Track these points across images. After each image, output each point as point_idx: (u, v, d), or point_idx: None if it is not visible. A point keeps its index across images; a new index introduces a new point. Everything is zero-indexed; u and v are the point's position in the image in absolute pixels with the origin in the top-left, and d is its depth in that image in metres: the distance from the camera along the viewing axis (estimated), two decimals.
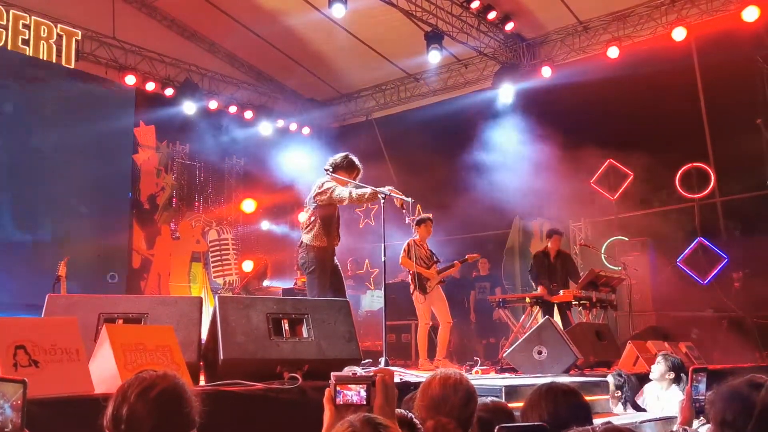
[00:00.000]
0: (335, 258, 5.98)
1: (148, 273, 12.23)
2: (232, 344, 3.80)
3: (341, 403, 1.74)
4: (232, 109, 13.32)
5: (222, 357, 3.75)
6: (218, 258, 13.40)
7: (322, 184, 5.88)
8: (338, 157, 6.05)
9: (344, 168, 5.96)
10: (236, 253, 13.62)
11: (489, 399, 2.67)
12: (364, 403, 1.74)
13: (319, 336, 3.95)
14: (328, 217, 5.86)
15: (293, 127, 14.29)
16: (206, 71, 13.22)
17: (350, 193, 5.71)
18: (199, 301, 4.04)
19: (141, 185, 12.40)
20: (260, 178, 13.76)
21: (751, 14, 9.80)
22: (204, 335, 4.05)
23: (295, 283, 11.02)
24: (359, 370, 1.69)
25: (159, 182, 12.75)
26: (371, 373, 1.82)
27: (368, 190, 5.76)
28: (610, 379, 5.47)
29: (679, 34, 10.41)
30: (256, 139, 13.73)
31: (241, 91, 13.79)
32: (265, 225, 14.18)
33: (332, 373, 1.82)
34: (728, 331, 9.60)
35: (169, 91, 12.37)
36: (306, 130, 14.55)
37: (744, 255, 10.08)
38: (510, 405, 2.89)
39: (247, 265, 13.30)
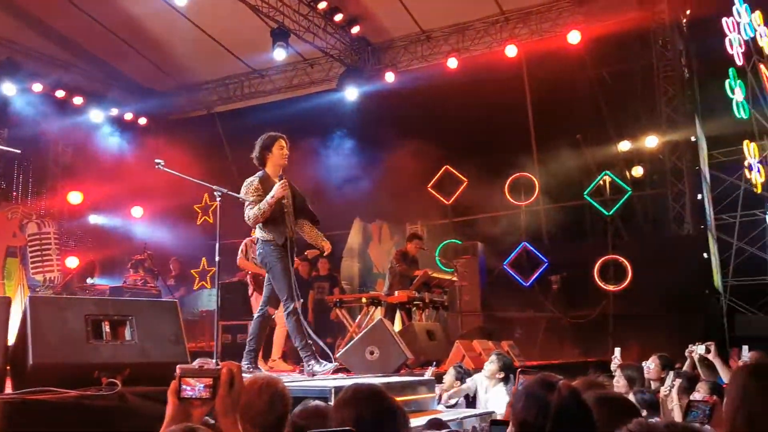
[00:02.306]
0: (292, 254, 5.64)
1: None
2: (44, 348, 3.50)
3: (185, 396, 1.66)
4: (60, 93, 12.36)
5: (31, 362, 3.45)
6: (38, 253, 12.35)
7: (243, 189, 5.58)
8: (257, 144, 5.80)
9: (264, 154, 5.76)
10: (59, 249, 12.64)
11: (313, 403, 2.62)
12: (209, 396, 1.67)
13: (143, 338, 3.75)
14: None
15: (128, 116, 13.57)
16: (31, 51, 12.15)
17: (259, 210, 5.39)
18: (7, 301, 3.69)
19: None
20: (89, 169, 12.90)
21: (574, 37, 10.67)
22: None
23: (125, 282, 10.43)
24: (213, 362, 1.63)
25: None
26: (218, 367, 1.75)
27: (269, 197, 5.47)
28: (451, 371, 5.77)
29: (511, 51, 11.09)
30: (86, 126, 12.87)
31: (70, 75, 12.82)
32: (94, 219, 13.29)
33: (178, 366, 1.73)
34: (546, 330, 10.36)
35: None
36: (142, 121, 13.87)
37: (562, 259, 10.94)
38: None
39: (72, 262, 12.40)
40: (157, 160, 5.65)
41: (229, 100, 13.95)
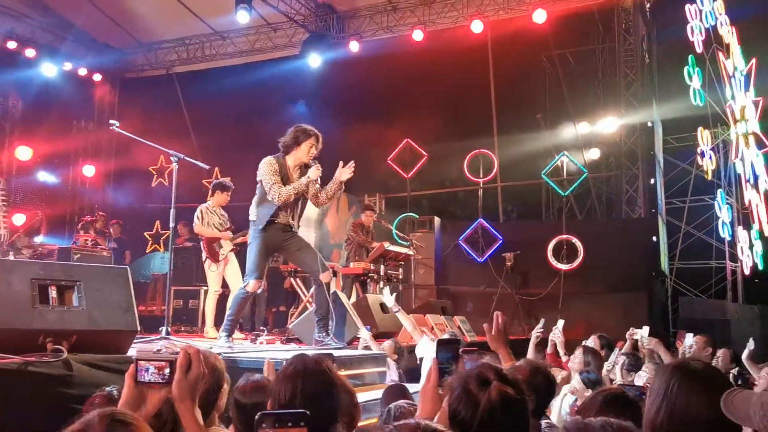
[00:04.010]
0: (286, 236, 5.52)
1: None
2: None
3: (141, 380, 1.67)
4: (11, 44, 11.89)
5: None
6: None
7: (262, 167, 5.45)
8: (288, 134, 5.67)
9: (291, 145, 5.61)
10: (6, 205, 12.20)
11: (255, 377, 2.57)
12: (166, 381, 1.68)
13: (92, 305, 3.67)
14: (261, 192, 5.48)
15: (83, 72, 13.14)
16: None
17: (279, 195, 5.34)
18: None
19: None
20: (40, 124, 12.47)
21: (540, 16, 10.65)
22: None
23: (75, 243, 10.18)
24: (179, 344, 1.61)
25: None
26: (177, 351, 1.75)
27: (305, 178, 5.49)
28: (390, 343, 5.76)
29: (477, 26, 11.02)
30: (37, 80, 12.40)
31: (23, 26, 12.32)
32: (43, 176, 12.89)
33: (136, 349, 1.73)
34: (498, 306, 10.51)
35: None
36: (97, 77, 13.47)
37: (516, 237, 11.07)
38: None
39: (19, 219, 12.03)
40: (111, 122, 5.52)
41: (189, 61, 13.61)
